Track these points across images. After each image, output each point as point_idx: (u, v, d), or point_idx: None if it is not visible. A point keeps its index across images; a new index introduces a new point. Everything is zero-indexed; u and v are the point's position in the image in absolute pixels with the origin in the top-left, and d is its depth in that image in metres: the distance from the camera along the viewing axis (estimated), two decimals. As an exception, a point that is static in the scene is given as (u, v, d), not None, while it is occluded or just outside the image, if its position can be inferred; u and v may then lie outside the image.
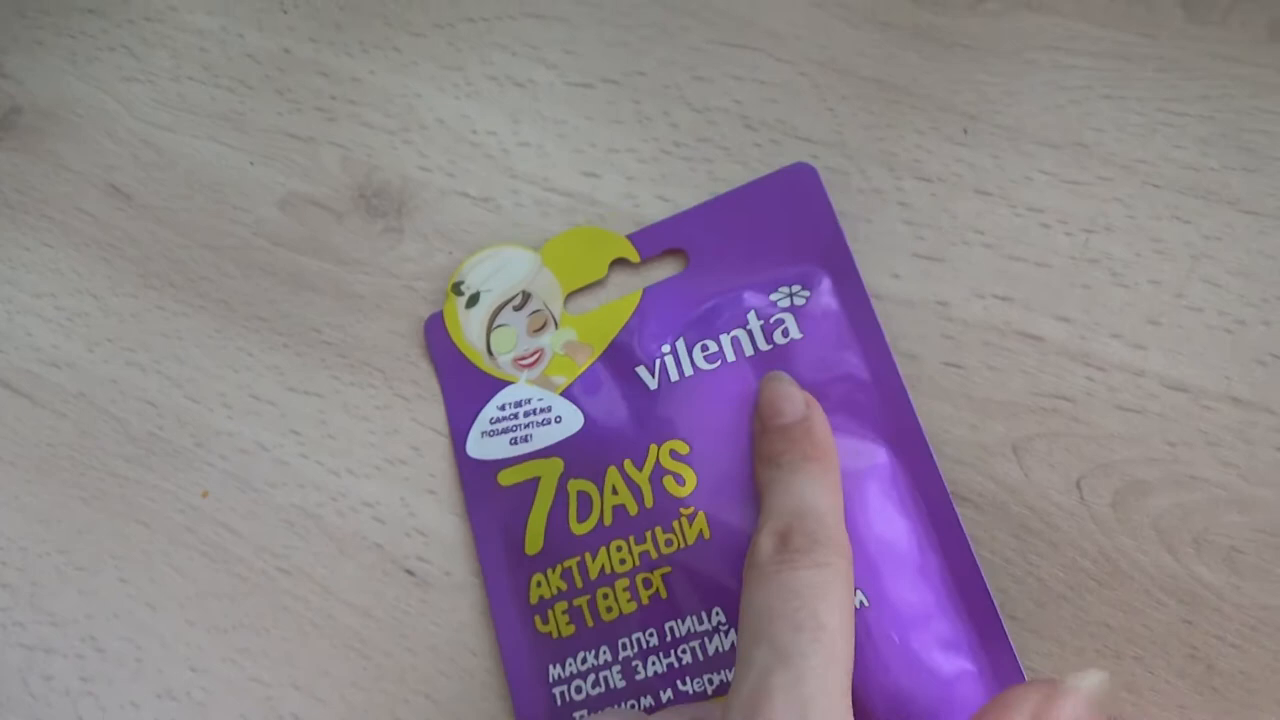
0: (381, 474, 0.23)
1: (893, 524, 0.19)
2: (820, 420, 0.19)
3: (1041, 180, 0.21)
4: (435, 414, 0.23)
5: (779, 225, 0.21)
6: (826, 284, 0.21)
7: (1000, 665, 0.18)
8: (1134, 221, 0.20)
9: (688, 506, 0.19)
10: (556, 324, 0.22)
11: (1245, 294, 0.19)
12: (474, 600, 0.22)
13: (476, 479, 0.22)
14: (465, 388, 0.23)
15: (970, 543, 0.19)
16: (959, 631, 0.18)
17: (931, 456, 0.19)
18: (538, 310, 0.22)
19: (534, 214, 0.24)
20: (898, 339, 0.21)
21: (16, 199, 0.29)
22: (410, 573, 0.22)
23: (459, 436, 0.22)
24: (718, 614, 0.19)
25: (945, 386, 0.20)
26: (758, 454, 0.19)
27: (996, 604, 0.18)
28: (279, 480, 0.24)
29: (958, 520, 0.19)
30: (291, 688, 0.22)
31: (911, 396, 0.20)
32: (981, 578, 0.18)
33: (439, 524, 0.23)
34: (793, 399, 0.19)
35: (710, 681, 0.19)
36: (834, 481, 0.18)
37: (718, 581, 0.19)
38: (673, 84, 0.24)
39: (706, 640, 0.19)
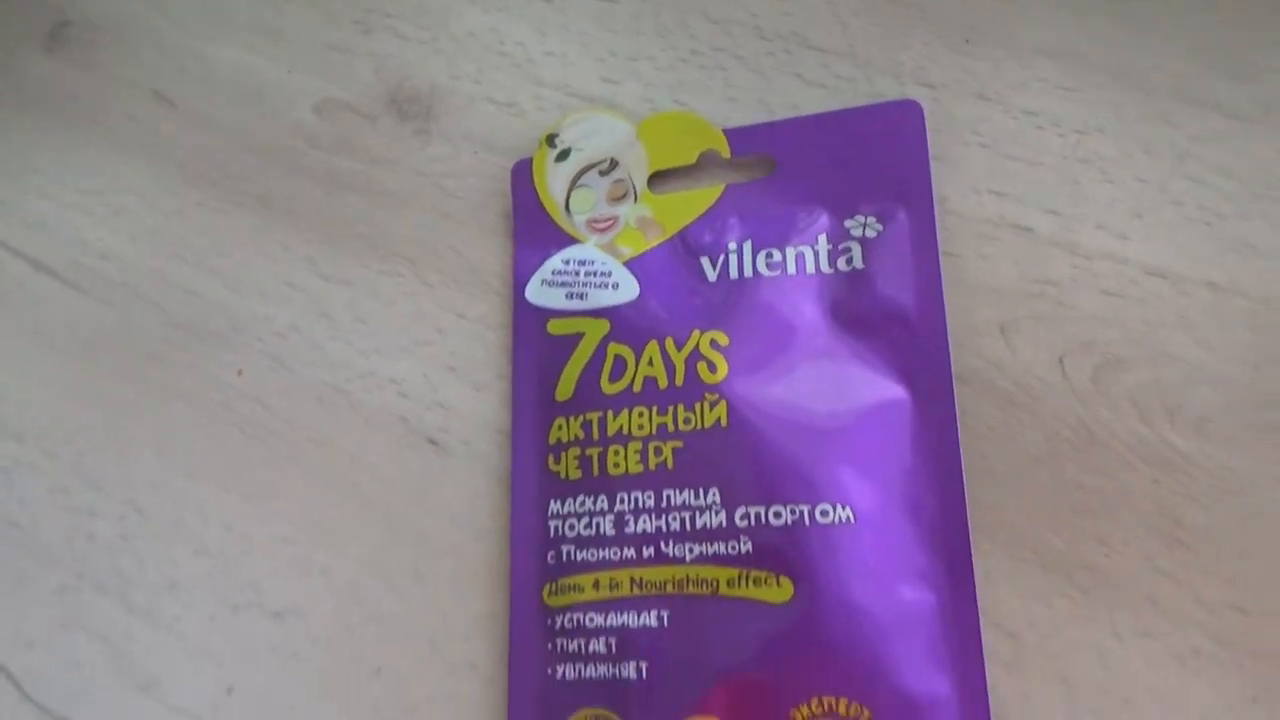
0: (406, 354, 0.25)
1: (900, 459, 0.20)
2: None
3: (1037, 86, 0.22)
4: (458, 299, 0.25)
5: (872, 155, 0.22)
6: (902, 222, 0.21)
7: (961, 605, 0.19)
8: (1123, 124, 0.22)
9: (713, 393, 0.21)
10: (636, 197, 0.23)
11: (1225, 190, 0.21)
12: (490, 468, 0.23)
13: (528, 322, 0.23)
14: (537, 235, 0.24)
15: (965, 495, 0.19)
16: (930, 567, 0.19)
17: (954, 408, 0.20)
18: (621, 180, 0.24)
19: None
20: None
21: (67, 106, 0.30)
22: (432, 442, 0.24)
23: (520, 280, 0.24)
24: (713, 494, 0.20)
25: (943, 274, 0.22)
26: None
27: (966, 479, 0.19)
28: (311, 360, 0.25)
29: (960, 470, 0.20)
30: (320, 547, 0.24)
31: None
32: (966, 525, 0.19)
33: (459, 399, 0.24)
34: None
35: (690, 550, 0.20)
36: None
37: (720, 467, 0.20)
38: (692, -3, 0.26)
39: (697, 514, 0.20)
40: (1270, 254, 0.20)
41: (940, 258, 0.21)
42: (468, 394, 0.24)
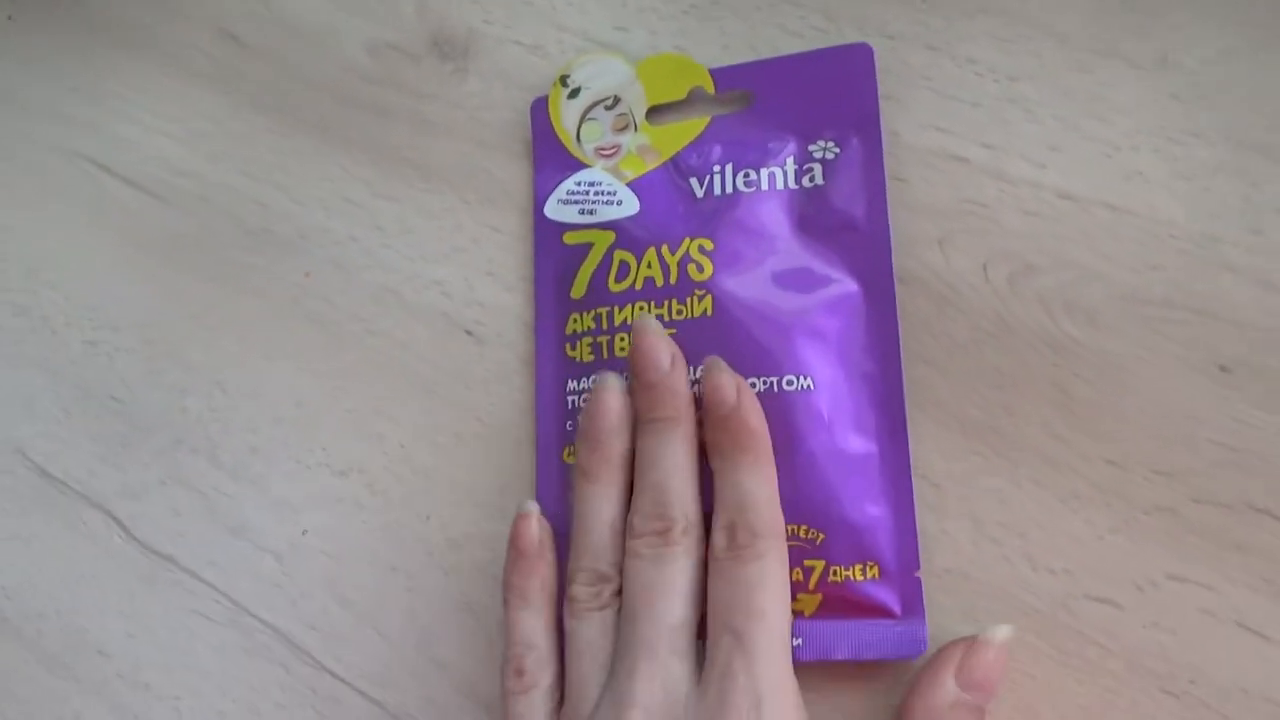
0: (448, 260, 0.30)
1: (852, 339, 0.25)
2: (752, 410, 0.22)
3: (980, 38, 0.27)
4: (491, 214, 0.30)
5: (832, 90, 0.26)
6: (855, 147, 0.26)
7: (897, 454, 0.24)
8: (1046, 71, 0.26)
9: (701, 289, 0.25)
10: (636, 128, 0.28)
11: (1125, 128, 0.25)
12: (518, 354, 0.28)
13: (547, 234, 0.28)
14: (553, 161, 0.28)
15: (902, 368, 0.24)
16: (874, 424, 0.24)
17: (894, 299, 0.25)
18: (623, 114, 0.28)
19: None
20: (859, 163, 0.26)
21: (147, 41, 0.35)
22: (469, 333, 0.29)
23: (540, 199, 0.28)
24: (700, 370, 0.25)
25: (893, 196, 0.26)
26: (705, 436, 0.23)
27: (905, 360, 0.24)
28: (367, 264, 0.30)
29: (898, 348, 0.24)
30: (377, 416, 0.29)
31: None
32: (902, 392, 0.24)
33: (493, 297, 0.29)
34: (726, 389, 0.22)
35: None
36: (767, 470, 0.22)
37: (707, 348, 0.25)
38: (693, -45, 0.30)
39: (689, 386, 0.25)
40: (1156, 181, 0.25)
41: (885, 177, 0.25)
42: (499, 294, 0.29)
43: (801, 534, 0.23)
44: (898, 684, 0.23)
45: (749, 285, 0.25)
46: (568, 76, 0.28)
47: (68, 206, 0.34)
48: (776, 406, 0.24)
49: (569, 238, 0.28)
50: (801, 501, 0.23)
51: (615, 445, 0.23)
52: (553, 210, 0.28)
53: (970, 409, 0.25)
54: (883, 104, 0.27)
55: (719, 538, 0.22)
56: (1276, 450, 0.22)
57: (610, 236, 0.27)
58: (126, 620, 0.30)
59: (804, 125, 0.26)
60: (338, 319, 0.30)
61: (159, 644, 0.29)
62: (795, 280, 0.25)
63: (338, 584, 0.28)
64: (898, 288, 0.25)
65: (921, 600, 0.23)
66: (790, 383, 0.24)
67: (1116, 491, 0.23)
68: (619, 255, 0.27)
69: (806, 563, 0.23)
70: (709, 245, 0.26)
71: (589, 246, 0.27)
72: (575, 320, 0.27)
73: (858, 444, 0.24)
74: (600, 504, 0.23)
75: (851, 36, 0.28)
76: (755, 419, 0.23)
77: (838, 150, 0.26)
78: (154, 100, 0.34)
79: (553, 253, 0.28)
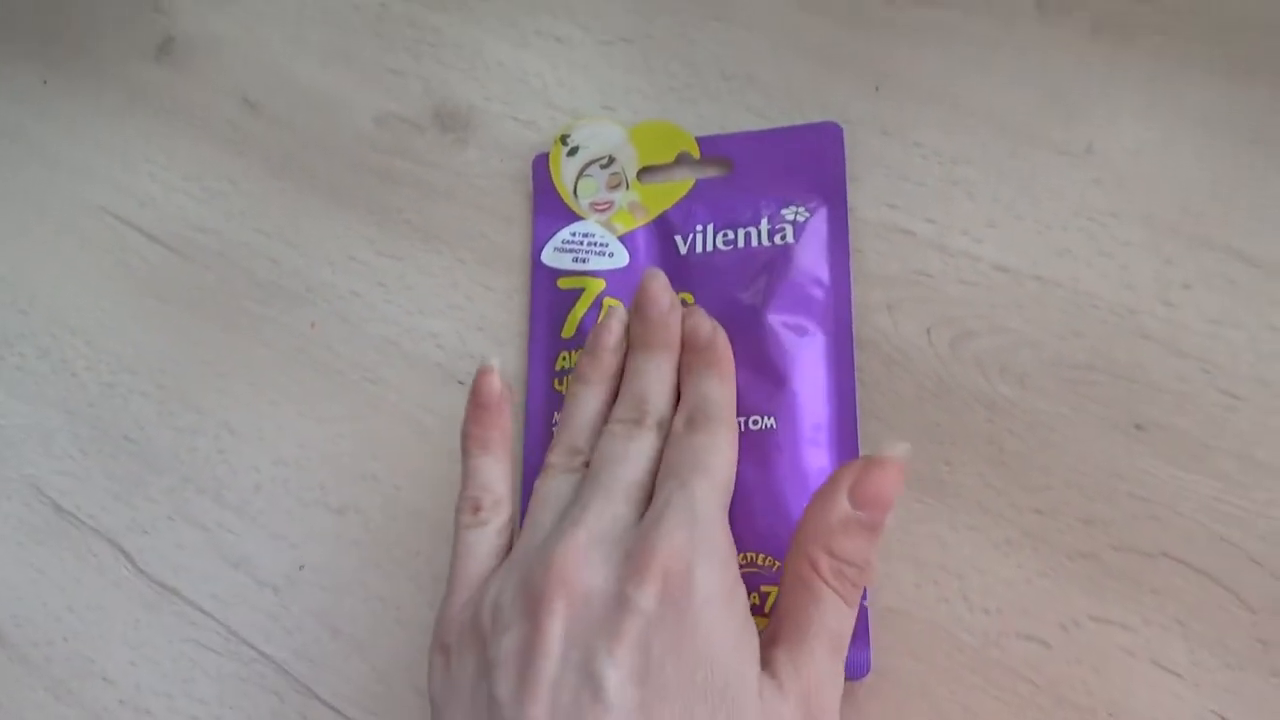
0: (443, 315, 0.32)
1: (814, 384, 0.27)
2: (724, 342, 0.26)
3: (926, 125, 0.30)
4: (485, 274, 0.32)
5: (804, 161, 0.29)
6: (824, 214, 0.29)
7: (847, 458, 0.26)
8: (986, 156, 0.29)
9: None
10: (628, 186, 0.30)
11: (1053, 208, 0.28)
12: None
13: (542, 279, 0.30)
14: (551, 212, 0.31)
15: (856, 398, 0.27)
16: (829, 462, 0.26)
17: (852, 345, 0.27)
18: (616, 172, 0.30)
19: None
20: (819, 234, 0.29)
21: (172, 106, 0.38)
22: (461, 383, 0.31)
23: (538, 246, 0.31)
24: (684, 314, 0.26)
25: (850, 250, 0.29)
26: (681, 363, 0.26)
27: (859, 415, 0.27)
28: (369, 317, 0.33)
29: (854, 393, 0.27)
30: (373, 459, 0.31)
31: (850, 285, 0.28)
32: (856, 435, 0.26)
33: (484, 350, 0.31)
34: (704, 326, 0.25)
35: None
36: (729, 384, 0.25)
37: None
38: (671, 44, 0.33)
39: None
40: (1081, 257, 0.27)
41: (850, 240, 0.28)
42: (490, 347, 0.31)
43: (759, 561, 0.25)
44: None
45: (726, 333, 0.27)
46: (568, 136, 0.31)
47: (92, 257, 0.36)
48: (741, 444, 0.26)
49: (562, 282, 0.30)
50: (761, 530, 0.25)
51: (612, 359, 0.26)
52: (549, 257, 0.30)
53: (915, 461, 0.27)
54: (841, 181, 0.30)
55: (678, 423, 0.24)
56: (1187, 503, 0.25)
57: (600, 284, 0.29)
58: (130, 649, 0.31)
59: (778, 191, 0.29)
60: (340, 367, 0.33)
61: (161, 672, 0.31)
62: (765, 328, 0.27)
63: (331, 616, 0.30)
64: (855, 350, 0.28)
65: (867, 627, 0.25)
66: (755, 422, 0.26)
67: (1044, 538, 0.25)
68: (608, 301, 0.29)
69: (763, 588, 0.25)
70: (690, 300, 0.28)
71: (580, 291, 0.30)
72: (564, 358, 0.29)
73: (814, 480, 0.26)
74: (588, 400, 0.26)
75: (813, 118, 0.31)
76: (725, 349, 0.25)
77: (808, 214, 0.29)
78: (176, 161, 0.37)
79: (547, 295, 0.30)
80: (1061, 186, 0.28)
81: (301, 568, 0.31)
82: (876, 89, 0.30)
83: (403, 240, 0.33)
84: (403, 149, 0.34)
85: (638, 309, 0.26)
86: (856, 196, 0.29)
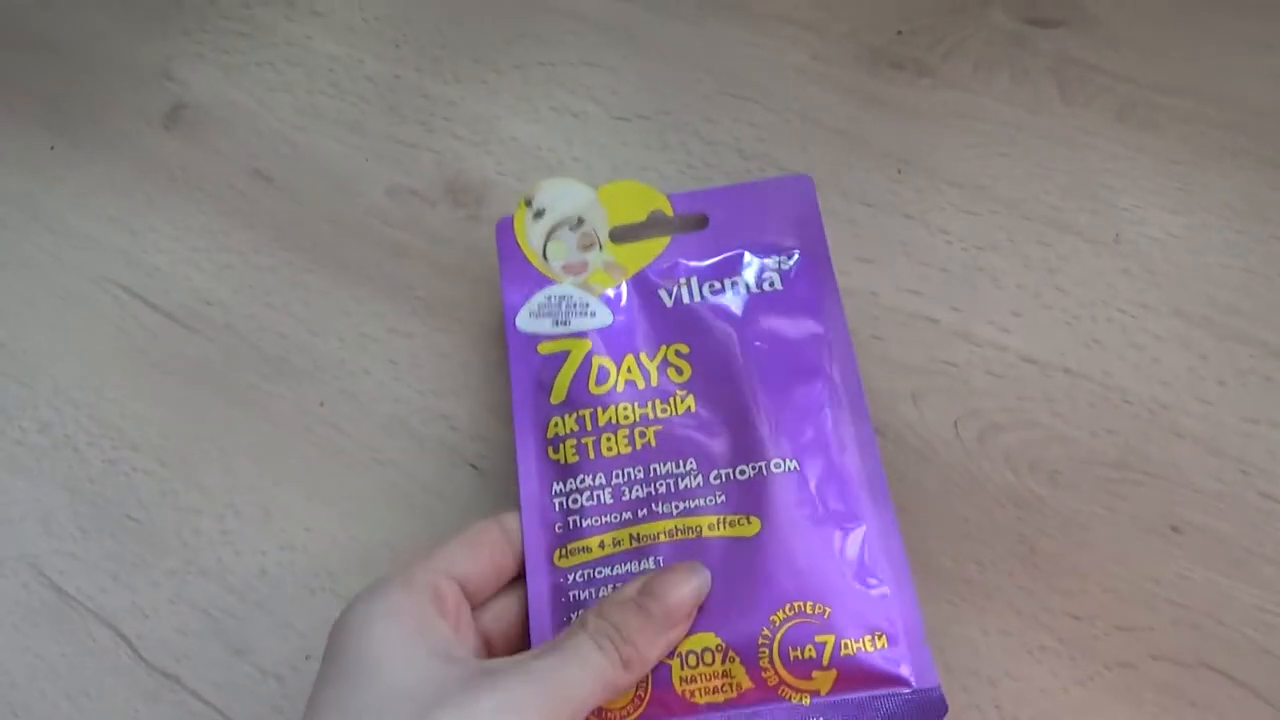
0: (455, 395, 0.31)
1: (827, 425, 0.26)
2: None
3: (949, 209, 0.29)
4: (498, 353, 0.32)
5: (780, 212, 0.29)
6: (806, 261, 0.28)
7: (885, 527, 0.25)
8: (1011, 243, 0.28)
9: (683, 389, 0.27)
10: (601, 247, 0.29)
11: (1081, 299, 0.27)
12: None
13: (520, 346, 0.28)
14: (521, 278, 0.29)
15: (877, 447, 0.26)
16: (859, 501, 0.25)
17: (862, 392, 0.26)
18: (588, 233, 0.29)
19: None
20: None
21: (181, 176, 0.37)
22: (474, 466, 0.31)
23: (511, 312, 0.29)
24: (689, 462, 0.26)
25: (871, 351, 0.28)
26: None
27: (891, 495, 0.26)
28: (379, 396, 0.32)
29: (872, 434, 0.26)
30: (381, 545, 0.30)
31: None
32: (881, 472, 0.25)
33: (497, 433, 0.31)
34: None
35: (676, 507, 0.26)
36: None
37: (694, 440, 0.26)
38: (689, 122, 0.33)
39: (679, 479, 0.26)
40: (1110, 349, 0.27)
41: (839, 292, 0.27)
42: (503, 430, 0.31)
43: (808, 610, 0.23)
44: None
45: (727, 381, 0.27)
46: (530, 199, 0.30)
47: (97, 329, 0.36)
48: (768, 489, 0.25)
49: (544, 348, 0.29)
50: (803, 578, 0.24)
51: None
52: (525, 323, 0.29)
53: (943, 558, 0.26)
54: (862, 266, 0.29)
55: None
56: (1228, 611, 0.24)
57: (586, 344, 0.28)
58: (127, 737, 0.30)
59: (757, 241, 0.28)
60: (348, 448, 0.32)
61: (158, 762, 0.30)
62: (772, 375, 0.26)
63: (337, 708, 0.29)
64: (879, 442, 0.27)
65: (933, 667, 0.23)
66: (778, 465, 0.25)
67: (1080, 645, 0.25)
68: (598, 360, 0.28)
69: (818, 639, 0.23)
70: (684, 349, 0.27)
71: (566, 354, 0.28)
72: (556, 424, 0.27)
73: (848, 520, 0.25)
74: None
75: (834, 202, 0.30)
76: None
77: (791, 262, 0.28)
78: (184, 231, 0.36)
79: (528, 362, 0.28)
80: (1089, 276, 0.28)
81: (308, 658, 0.30)
82: (899, 172, 0.30)
83: (414, 317, 0.33)
84: (415, 223, 0.34)
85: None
86: (878, 281, 0.29)
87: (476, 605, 0.25)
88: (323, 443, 0.32)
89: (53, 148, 0.39)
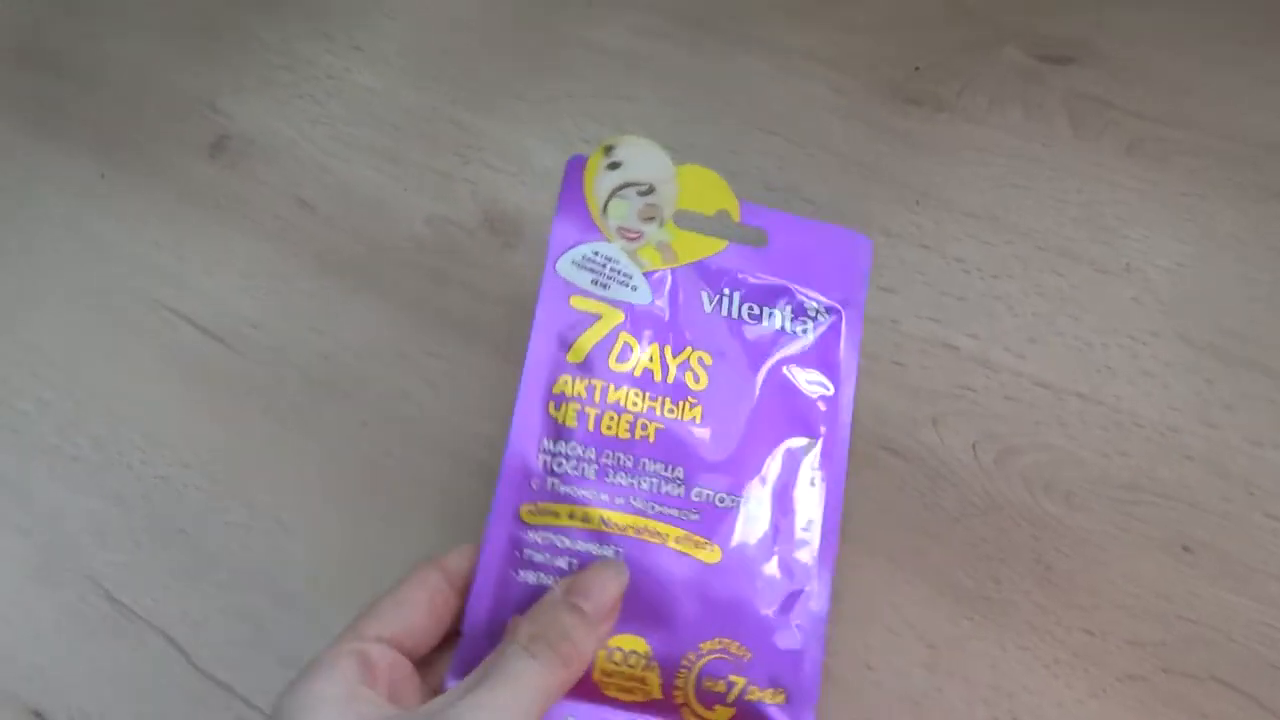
0: (492, 416, 0.33)
1: (803, 484, 0.27)
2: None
3: (966, 240, 0.30)
4: (533, 376, 0.33)
5: (835, 261, 0.29)
6: (841, 316, 0.28)
7: (823, 592, 0.26)
8: (1026, 272, 0.30)
9: (694, 398, 0.27)
10: (661, 224, 0.28)
11: (1094, 326, 0.29)
12: (555, 506, 0.31)
13: (554, 291, 0.27)
14: (575, 221, 0.28)
15: (840, 513, 0.27)
16: (811, 563, 0.26)
17: (845, 459, 0.27)
18: (653, 204, 0.28)
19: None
20: (864, 344, 0.30)
21: (226, 203, 0.39)
22: (511, 485, 0.32)
23: (555, 252, 0.28)
24: (678, 470, 0.26)
25: (891, 377, 0.30)
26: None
27: (901, 528, 0.27)
28: (417, 416, 0.34)
29: (841, 498, 0.27)
30: (422, 559, 0.32)
31: (855, 397, 0.28)
32: (835, 542, 0.26)
33: (532, 452, 0.32)
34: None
35: (653, 507, 0.26)
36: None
37: (690, 451, 0.27)
38: (715, 154, 0.34)
39: (664, 483, 0.26)
40: (1121, 375, 0.28)
41: (859, 346, 0.28)
42: (538, 448, 0.32)
43: (733, 649, 0.25)
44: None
45: (735, 407, 0.27)
46: (612, 148, 0.28)
47: (147, 350, 0.37)
48: (738, 526, 0.26)
49: (576, 302, 0.27)
50: (739, 619, 0.25)
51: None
52: (565, 269, 0.28)
53: (962, 577, 0.27)
54: (883, 295, 0.30)
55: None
56: (1236, 626, 0.25)
57: (619, 315, 0.28)
58: (180, 742, 0.32)
59: (805, 282, 0.29)
60: (389, 466, 0.33)
61: (209, 767, 0.31)
62: (772, 420, 0.27)
63: (381, 716, 0.30)
64: (895, 462, 0.28)
65: None
66: (754, 507, 0.26)
67: (1094, 659, 0.26)
68: (624, 336, 0.27)
69: (732, 677, 0.25)
70: (708, 360, 0.28)
71: (596, 317, 0.27)
72: (565, 382, 0.27)
73: (796, 579, 0.26)
74: None
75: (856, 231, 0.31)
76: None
77: (829, 316, 0.28)
78: (230, 257, 0.38)
79: (556, 311, 0.27)
80: (1101, 304, 0.29)
81: (351, 667, 0.31)
82: (917, 203, 0.31)
83: (452, 341, 0.34)
84: (452, 250, 0.35)
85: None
86: (899, 309, 0.30)
87: (419, 657, 0.25)
88: (364, 461, 0.34)
89: (103, 175, 0.41)
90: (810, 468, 0.27)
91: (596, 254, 0.28)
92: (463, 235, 0.36)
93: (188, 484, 0.35)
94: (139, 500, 0.35)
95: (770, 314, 0.28)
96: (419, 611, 0.25)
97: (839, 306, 0.29)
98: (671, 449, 0.27)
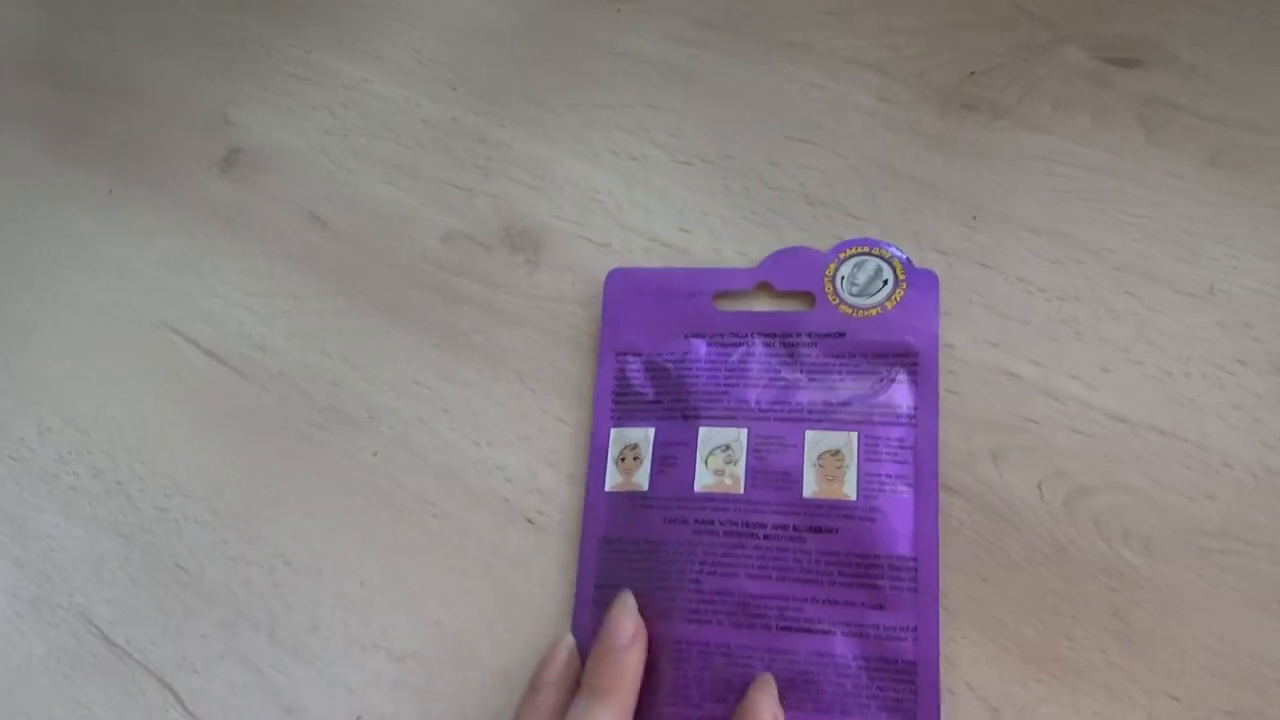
0: (512, 447, 0.31)
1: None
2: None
3: (1028, 257, 0.28)
4: (556, 404, 0.31)
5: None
6: (916, 363, 0.26)
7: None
8: (1095, 293, 0.27)
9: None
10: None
11: (1174, 353, 0.26)
12: (577, 545, 0.29)
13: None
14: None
15: (940, 558, 0.25)
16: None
17: (937, 496, 0.25)
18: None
19: (640, 258, 0.32)
20: (913, 371, 0.27)
21: (237, 219, 0.37)
22: (530, 521, 0.30)
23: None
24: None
25: (947, 407, 0.27)
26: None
27: (963, 573, 0.25)
28: (433, 447, 0.31)
29: (936, 542, 0.25)
30: (436, 603, 0.30)
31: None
32: (936, 562, 0.25)
33: (555, 487, 0.30)
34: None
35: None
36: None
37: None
38: (753, 166, 0.32)
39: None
40: (1207, 408, 0.25)
41: (940, 390, 0.26)
42: (561, 484, 0.30)
43: None
44: None
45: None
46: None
47: (151, 374, 0.36)
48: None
49: None
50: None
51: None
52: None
53: (1028, 632, 0.25)
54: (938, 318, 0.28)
55: None
56: (1347, 695, 0.22)
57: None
58: (175, 794, 0.30)
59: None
60: (402, 499, 0.31)
61: (206, 822, 0.29)
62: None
63: (388, 771, 0.28)
64: (951, 499, 0.26)
65: None
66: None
67: (1182, 729, 0.23)
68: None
69: None
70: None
71: None
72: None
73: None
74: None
75: (906, 250, 0.29)
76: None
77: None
78: (240, 275, 0.36)
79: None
80: (1181, 329, 0.26)
81: (359, 718, 0.29)
82: (974, 218, 0.29)
83: (469, 366, 0.32)
84: (470, 269, 0.33)
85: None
86: (954, 333, 0.28)
87: None
88: (376, 494, 0.31)
89: (111, 191, 0.40)
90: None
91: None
92: (482, 252, 0.33)
93: (188, 516, 0.33)
94: (138, 533, 0.33)
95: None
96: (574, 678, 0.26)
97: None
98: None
